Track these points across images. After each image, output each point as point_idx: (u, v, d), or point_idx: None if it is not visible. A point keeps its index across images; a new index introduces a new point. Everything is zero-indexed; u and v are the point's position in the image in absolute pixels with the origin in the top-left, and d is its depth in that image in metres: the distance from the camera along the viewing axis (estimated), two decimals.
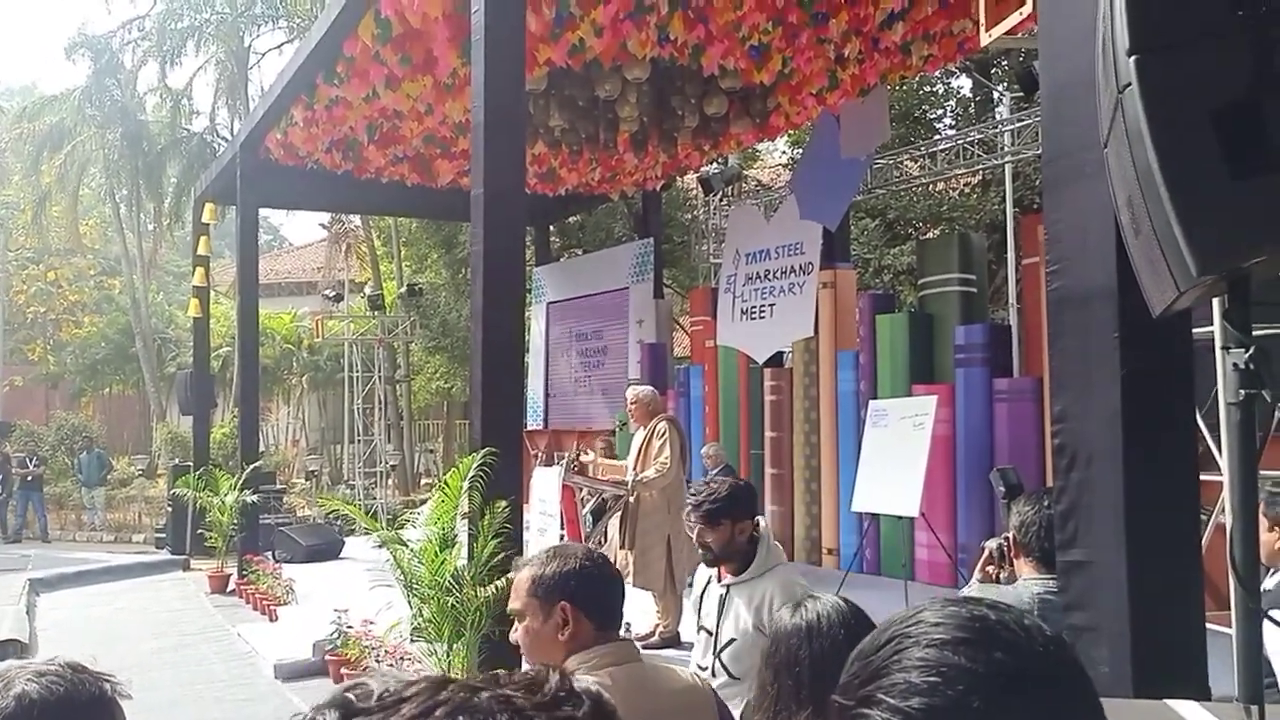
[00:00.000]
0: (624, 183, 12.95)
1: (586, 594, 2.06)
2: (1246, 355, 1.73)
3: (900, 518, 8.61)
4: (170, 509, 14.25)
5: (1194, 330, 2.56)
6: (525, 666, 2.11)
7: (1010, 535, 2.87)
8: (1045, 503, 2.68)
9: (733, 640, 3.17)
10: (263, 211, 16.04)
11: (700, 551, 3.28)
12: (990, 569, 3.01)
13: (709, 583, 3.39)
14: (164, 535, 14.92)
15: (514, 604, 2.10)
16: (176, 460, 15.95)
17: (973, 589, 2.97)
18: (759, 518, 3.32)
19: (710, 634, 3.26)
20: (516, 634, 2.11)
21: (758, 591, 3.17)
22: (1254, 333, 1.79)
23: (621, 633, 2.18)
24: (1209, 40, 1.55)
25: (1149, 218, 1.64)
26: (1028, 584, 2.72)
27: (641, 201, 14.49)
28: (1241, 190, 1.49)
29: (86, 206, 26.86)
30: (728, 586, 3.26)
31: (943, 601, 0.90)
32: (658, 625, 7.10)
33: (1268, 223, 1.51)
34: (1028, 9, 3.47)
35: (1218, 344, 1.85)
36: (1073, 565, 2.27)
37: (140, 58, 21.67)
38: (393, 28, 7.73)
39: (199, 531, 12.20)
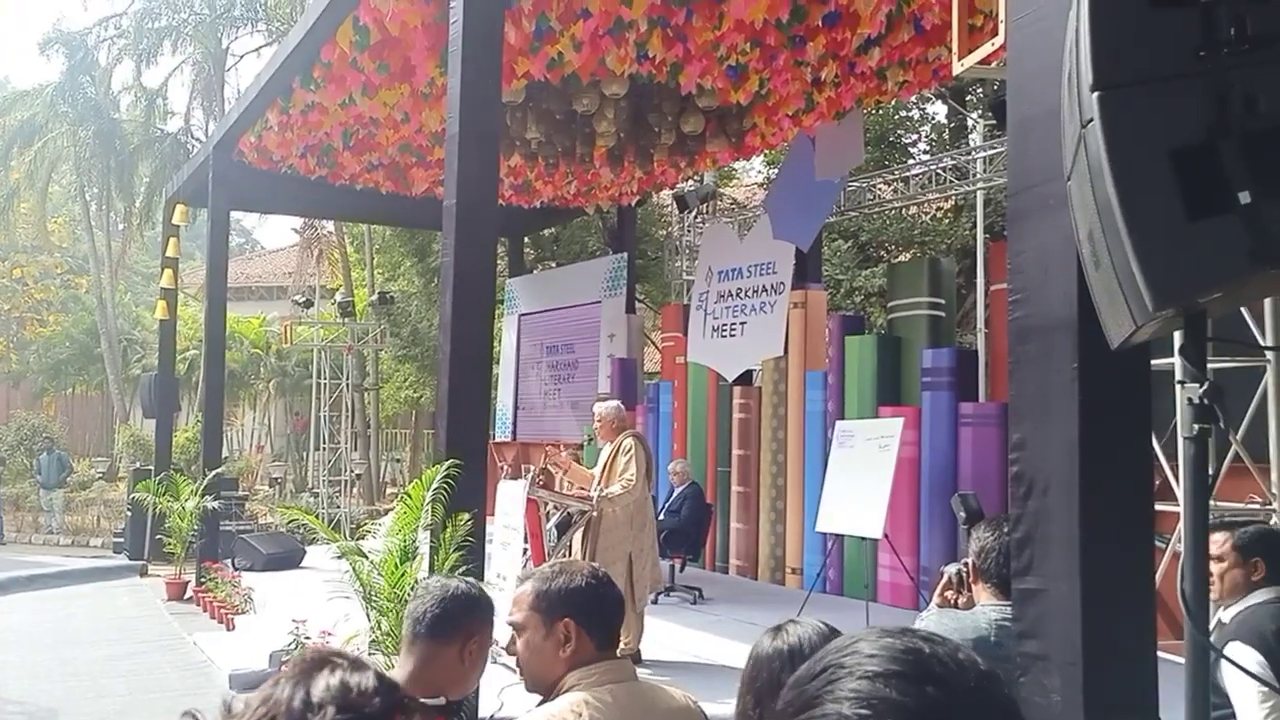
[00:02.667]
0: (599, 197, 12.95)
1: (590, 612, 2.07)
2: (1201, 390, 1.76)
3: (864, 539, 8.63)
4: (130, 513, 14.05)
5: (1157, 361, 2.59)
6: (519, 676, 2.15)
7: (970, 561, 2.89)
8: (1005, 529, 2.68)
9: None
10: (235, 214, 15.94)
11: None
12: (949, 594, 3.02)
13: None
14: (122, 540, 14.69)
15: (515, 616, 2.11)
16: (138, 464, 15.73)
17: (931, 613, 2.98)
18: None
19: None
20: (515, 646, 2.12)
21: None
22: (1210, 367, 1.81)
23: None
24: (1171, 80, 1.57)
25: (1108, 251, 1.66)
26: (985, 610, 2.73)
27: (616, 216, 14.51)
28: (1197, 229, 1.51)
29: (55, 204, 26.57)
30: None
31: (879, 631, 0.89)
32: None
33: (1221, 262, 1.53)
34: (1000, 40, 3.50)
35: (1176, 377, 1.87)
36: (1027, 593, 2.28)
37: (116, 56, 21.54)
38: (371, 35, 7.71)
39: (158, 537, 12.03)
